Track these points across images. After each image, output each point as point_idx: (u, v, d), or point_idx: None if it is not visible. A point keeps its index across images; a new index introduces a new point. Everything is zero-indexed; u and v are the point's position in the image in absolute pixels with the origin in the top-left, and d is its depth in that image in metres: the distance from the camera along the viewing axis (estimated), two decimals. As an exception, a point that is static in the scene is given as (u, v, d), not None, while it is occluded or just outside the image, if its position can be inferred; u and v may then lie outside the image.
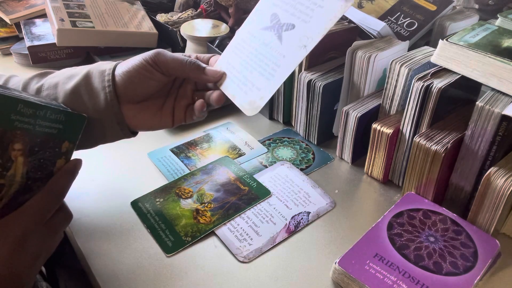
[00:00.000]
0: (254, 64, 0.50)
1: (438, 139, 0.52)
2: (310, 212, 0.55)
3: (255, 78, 0.49)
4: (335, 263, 0.46)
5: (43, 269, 0.53)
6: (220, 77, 0.51)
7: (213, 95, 0.50)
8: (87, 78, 0.46)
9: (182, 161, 0.64)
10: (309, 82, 0.63)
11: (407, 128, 0.56)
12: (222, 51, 0.77)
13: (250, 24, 0.53)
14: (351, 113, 0.60)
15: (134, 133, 0.51)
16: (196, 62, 0.49)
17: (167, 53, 0.48)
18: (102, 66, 0.47)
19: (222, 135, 0.71)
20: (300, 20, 0.48)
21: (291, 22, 0.49)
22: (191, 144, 0.68)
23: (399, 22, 0.75)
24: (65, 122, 0.40)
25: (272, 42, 0.49)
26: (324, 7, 0.47)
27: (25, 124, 0.35)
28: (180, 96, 0.52)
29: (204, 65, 0.50)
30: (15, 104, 0.34)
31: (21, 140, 0.35)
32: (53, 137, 0.38)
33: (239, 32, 0.53)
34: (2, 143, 0.34)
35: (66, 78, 0.47)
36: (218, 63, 0.52)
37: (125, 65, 0.47)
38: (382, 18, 0.75)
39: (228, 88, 0.50)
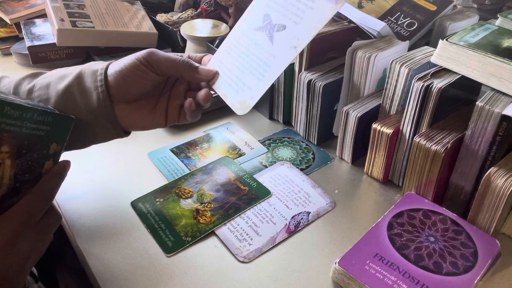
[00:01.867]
0: (246, 63, 0.50)
1: (438, 139, 0.52)
2: (310, 212, 0.55)
3: (246, 77, 0.49)
4: (335, 263, 0.46)
5: (35, 271, 0.53)
6: (213, 76, 0.51)
7: (200, 93, 0.50)
8: (79, 78, 0.46)
9: (182, 161, 0.64)
10: (309, 82, 0.63)
11: (407, 128, 0.56)
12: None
13: (243, 24, 0.53)
14: (351, 113, 0.60)
15: (127, 133, 0.51)
16: (189, 61, 0.49)
17: (160, 52, 0.48)
18: (94, 66, 0.47)
19: (222, 135, 0.71)
20: (291, 21, 0.48)
21: (283, 23, 0.49)
22: (191, 144, 0.68)
23: (399, 22, 0.75)
24: (53, 124, 0.39)
25: (263, 43, 0.50)
26: (314, 9, 0.47)
27: (12, 126, 0.35)
28: (173, 96, 0.52)
29: (197, 64, 0.50)
30: (2, 107, 0.34)
31: (8, 142, 0.35)
32: (40, 139, 0.38)
33: (232, 32, 0.54)
34: None
35: (58, 78, 0.46)
36: (211, 62, 0.52)
37: (117, 65, 0.47)
38: (382, 18, 0.75)
39: (220, 88, 0.51)
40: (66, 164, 0.42)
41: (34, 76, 0.48)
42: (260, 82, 0.48)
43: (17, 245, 0.36)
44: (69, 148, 0.46)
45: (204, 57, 0.53)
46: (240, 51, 0.51)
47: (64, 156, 0.43)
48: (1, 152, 0.35)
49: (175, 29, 0.87)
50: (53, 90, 0.45)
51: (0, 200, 0.36)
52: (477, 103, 0.47)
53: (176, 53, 0.51)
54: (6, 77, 0.48)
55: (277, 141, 0.70)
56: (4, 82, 0.47)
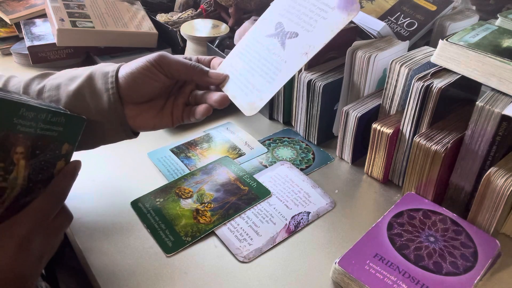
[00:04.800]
0: (257, 67, 0.51)
1: (438, 139, 0.52)
2: (310, 212, 0.55)
3: (256, 80, 0.51)
4: (335, 263, 0.46)
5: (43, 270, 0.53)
6: (223, 80, 0.52)
7: (216, 97, 0.50)
8: (90, 79, 0.47)
9: (182, 161, 0.64)
10: (309, 82, 0.63)
11: (407, 128, 0.56)
12: (222, 51, 0.77)
13: (255, 31, 0.55)
14: (351, 113, 0.60)
15: (136, 134, 0.51)
16: (199, 65, 0.50)
17: (171, 56, 0.49)
18: (105, 68, 0.48)
19: (222, 135, 0.71)
20: (303, 30, 0.50)
21: (295, 31, 0.51)
22: (191, 144, 0.68)
23: (399, 22, 0.75)
24: (65, 125, 0.40)
25: (275, 48, 0.51)
26: (327, 19, 0.49)
27: (27, 127, 0.36)
28: (179, 96, 0.53)
29: (207, 68, 0.51)
30: (18, 108, 0.35)
31: (23, 143, 0.36)
32: (53, 139, 0.39)
33: (244, 38, 0.55)
34: (5, 147, 0.34)
35: (68, 79, 0.47)
36: (221, 66, 0.54)
37: (128, 67, 0.48)
38: (382, 18, 0.75)
39: (229, 89, 0.52)
40: (77, 164, 0.42)
41: (43, 76, 0.48)
42: (270, 85, 0.50)
43: (31, 244, 0.36)
44: (79, 148, 0.46)
45: (213, 60, 0.54)
46: (251, 56, 0.53)
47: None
48: (16, 153, 0.35)
49: (175, 29, 0.87)
50: (63, 91, 0.46)
51: (14, 200, 0.36)
52: (477, 103, 0.47)
53: (185, 56, 0.52)
54: (15, 77, 0.48)
55: (277, 141, 0.70)
56: (13, 82, 0.48)
